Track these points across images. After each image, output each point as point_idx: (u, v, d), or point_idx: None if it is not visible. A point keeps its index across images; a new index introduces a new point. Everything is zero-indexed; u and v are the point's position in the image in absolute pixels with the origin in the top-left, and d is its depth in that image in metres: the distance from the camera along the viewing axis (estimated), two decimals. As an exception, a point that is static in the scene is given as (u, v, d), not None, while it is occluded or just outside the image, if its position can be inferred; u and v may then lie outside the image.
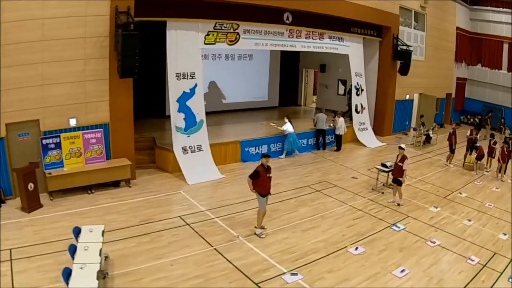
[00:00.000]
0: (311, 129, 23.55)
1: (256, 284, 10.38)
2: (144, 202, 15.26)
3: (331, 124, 23.29)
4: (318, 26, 21.92)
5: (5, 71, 13.85)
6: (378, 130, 26.74)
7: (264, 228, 13.29)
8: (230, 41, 19.05)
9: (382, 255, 12.07)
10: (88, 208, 14.46)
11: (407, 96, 28.45)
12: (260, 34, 19.95)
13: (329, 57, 27.29)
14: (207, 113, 20.38)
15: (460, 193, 17.63)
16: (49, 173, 14.88)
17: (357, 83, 24.70)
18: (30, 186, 13.91)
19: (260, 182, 12.60)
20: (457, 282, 10.79)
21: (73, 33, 14.83)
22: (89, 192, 15.70)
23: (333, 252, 12.15)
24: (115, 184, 16.49)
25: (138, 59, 15.18)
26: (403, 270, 11.23)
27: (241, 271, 10.91)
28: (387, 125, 27.18)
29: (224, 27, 18.56)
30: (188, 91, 17.92)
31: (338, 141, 23.43)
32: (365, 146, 24.49)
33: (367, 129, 25.58)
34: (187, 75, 17.79)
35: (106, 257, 10.93)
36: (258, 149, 21.01)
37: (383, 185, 17.62)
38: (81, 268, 8.87)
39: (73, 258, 9.41)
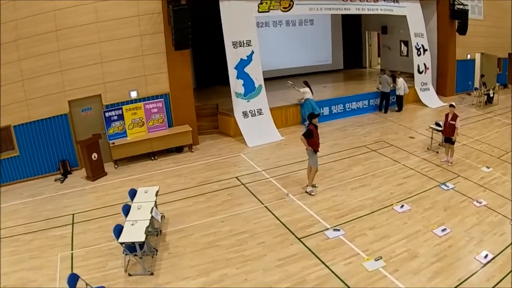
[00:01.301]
0: (376, 90, 23.65)
1: (299, 238, 11.04)
2: (204, 165, 16.29)
3: (392, 85, 23.04)
4: (372, -12, 21.75)
5: (65, 53, 15.16)
6: (441, 90, 26.30)
7: (315, 186, 13.88)
8: (284, 7, 19.39)
9: (426, 214, 12.18)
10: (150, 173, 15.67)
11: (469, 56, 27.60)
12: (314, -1, 20.17)
13: (390, 19, 26.77)
14: (273, 78, 21.46)
15: (515, 154, 16.89)
16: (113, 143, 16.11)
17: (417, 43, 24.23)
18: (94, 156, 15.21)
19: (314, 140, 13.21)
20: (497, 244, 10.61)
21: (126, 12, 15.85)
22: (153, 158, 16.89)
23: (378, 210, 12.46)
24: (178, 149, 17.62)
25: (191, 32, 15.98)
26: (444, 229, 11.27)
27: (286, 227, 11.62)
28: (449, 85, 26.62)
29: (278, -6, 18.97)
30: (245, 58, 18.61)
31: (399, 102, 23.35)
32: (427, 106, 24.15)
33: (429, 89, 25.19)
34: (243, 43, 18.44)
35: (162, 216, 11.93)
36: (320, 111, 21.45)
37: (439, 144, 17.46)
38: (132, 224, 9.89)
39: (126, 216, 10.43)
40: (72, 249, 10.96)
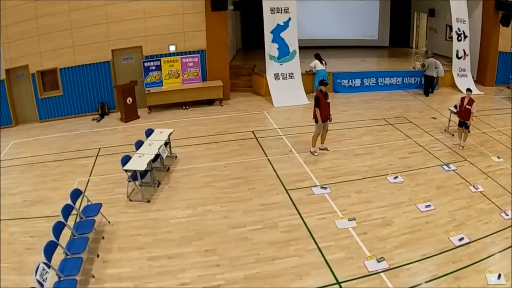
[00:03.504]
0: (412, 69, 24.10)
1: (286, 190, 12.16)
2: (228, 118, 17.79)
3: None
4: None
5: (111, 7, 16.88)
6: (481, 79, 26.10)
7: (324, 149, 14.75)
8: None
9: (416, 188, 12.25)
10: (178, 120, 17.34)
11: (512, 49, 27.17)
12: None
13: (438, 2, 26.94)
14: (317, 47, 22.57)
15: (533, 148, 16.40)
16: (148, 91, 17.86)
17: (458, 28, 24.22)
18: (129, 100, 17.02)
19: (320, 108, 13.91)
20: (477, 231, 10.33)
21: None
22: (184, 108, 18.57)
23: (371, 177, 12.88)
24: (210, 102, 19.21)
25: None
26: (428, 205, 11.28)
27: (279, 178, 12.79)
28: (489, 75, 26.12)
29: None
30: (282, 24, 19.81)
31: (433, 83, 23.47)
32: (462, 92, 23.33)
33: (466, 76, 25.11)
34: (281, 10, 19.64)
35: (174, 156, 13.81)
36: (351, 82, 22.31)
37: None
38: (139, 156, 11.62)
39: (137, 150, 12.17)
40: (89, 176, 12.84)
